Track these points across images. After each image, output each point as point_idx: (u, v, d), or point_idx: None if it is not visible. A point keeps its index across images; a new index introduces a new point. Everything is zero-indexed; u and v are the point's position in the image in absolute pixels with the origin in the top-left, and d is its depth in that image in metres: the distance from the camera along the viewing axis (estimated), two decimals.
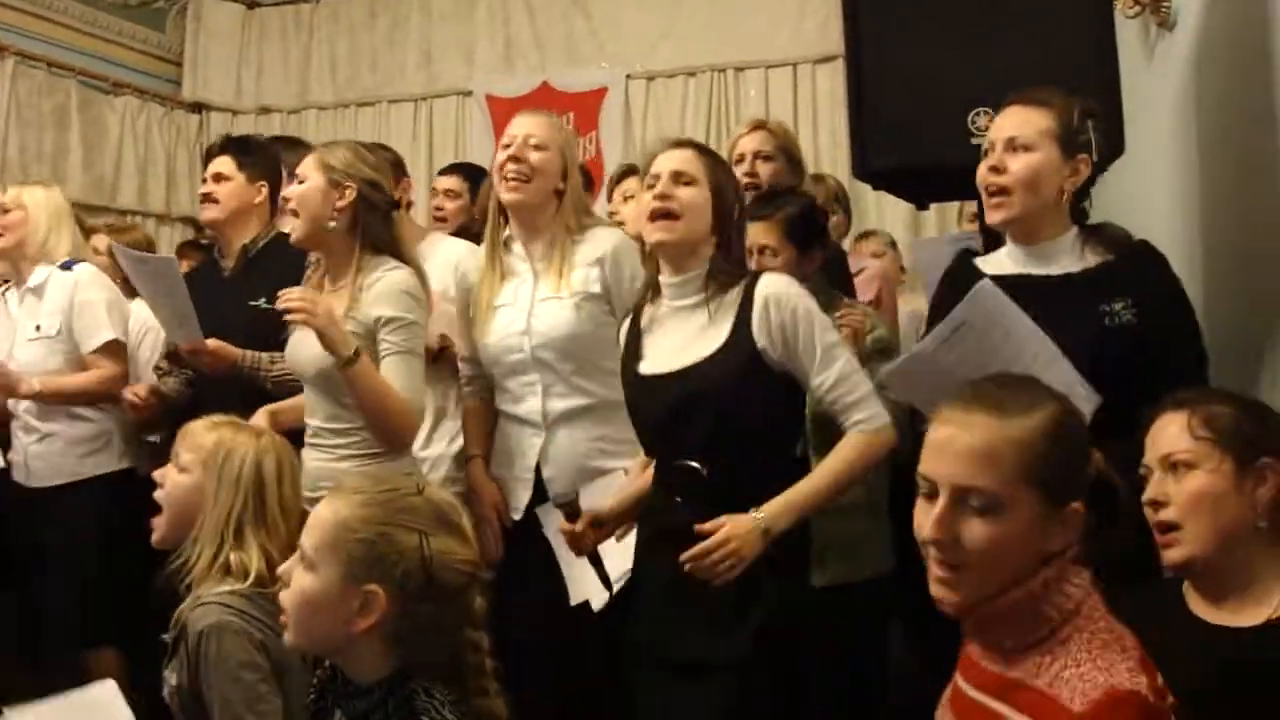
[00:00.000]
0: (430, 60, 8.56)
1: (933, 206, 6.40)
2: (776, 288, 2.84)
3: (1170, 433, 2.16)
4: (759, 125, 4.25)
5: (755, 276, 2.88)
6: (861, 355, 3.26)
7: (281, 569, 2.18)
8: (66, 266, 4.45)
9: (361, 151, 3.50)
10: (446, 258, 4.03)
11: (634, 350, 3.00)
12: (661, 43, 7.95)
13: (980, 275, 2.75)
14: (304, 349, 3.36)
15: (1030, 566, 1.77)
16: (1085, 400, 2.32)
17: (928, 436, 1.87)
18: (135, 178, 8.20)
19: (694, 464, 2.80)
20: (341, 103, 8.78)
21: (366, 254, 3.40)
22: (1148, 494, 2.16)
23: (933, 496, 1.82)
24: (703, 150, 2.99)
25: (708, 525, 2.69)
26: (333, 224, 3.37)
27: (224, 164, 4.21)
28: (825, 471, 2.80)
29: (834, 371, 2.79)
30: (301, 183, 3.42)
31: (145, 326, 4.59)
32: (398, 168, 4.31)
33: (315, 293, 3.30)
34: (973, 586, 1.79)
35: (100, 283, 4.48)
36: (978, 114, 3.04)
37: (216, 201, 4.17)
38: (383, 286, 3.31)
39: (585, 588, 3.20)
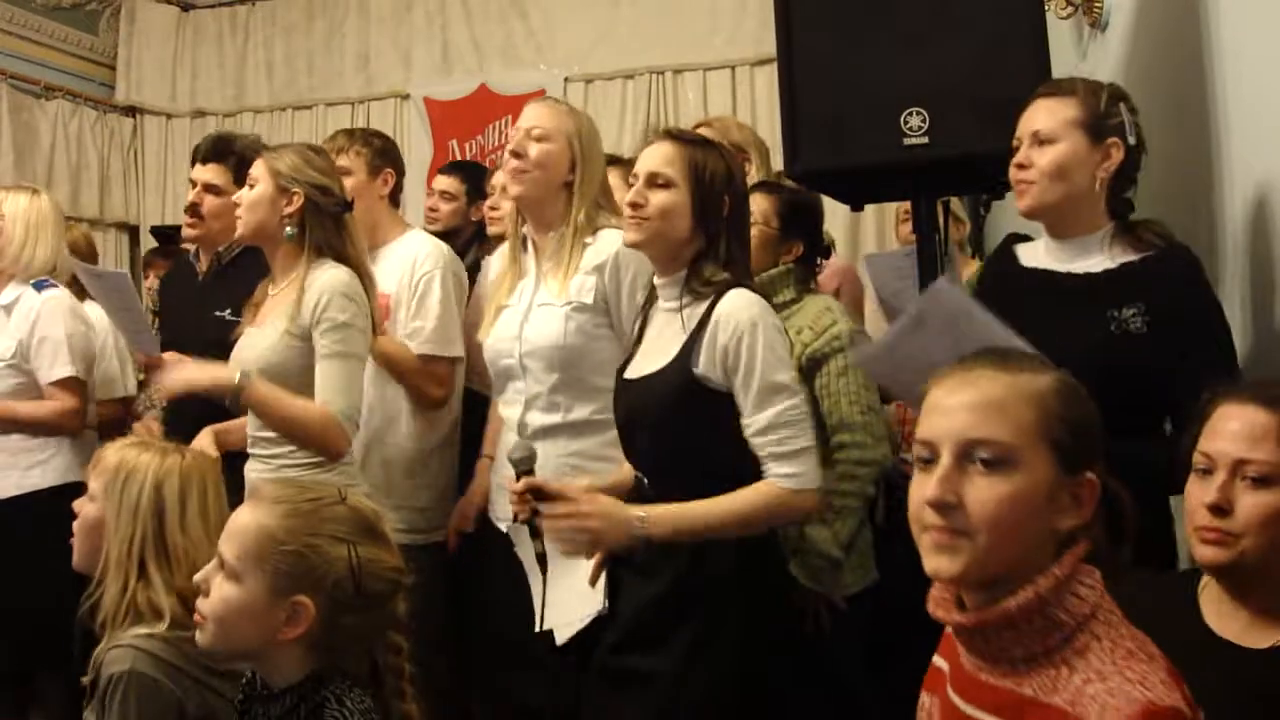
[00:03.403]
0: (367, 63, 8.49)
1: (872, 208, 6.43)
2: (732, 308, 2.67)
3: (1245, 431, 1.96)
4: (700, 125, 4.16)
5: (724, 291, 2.71)
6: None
7: (198, 576, 2.12)
8: (38, 287, 4.26)
9: (310, 155, 3.43)
10: (404, 255, 4.00)
11: (634, 349, 2.93)
12: (599, 45, 7.93)
13: (1018, 266, 2.76)
14: (245, 355, 3.32)
15: (1039, 546, 1.60)
16: None
17: (925, 402, 1.71)
18: (68, 182, 8.10)
19: (639, 475, 2.80)
20: (278, 106, 8.70)
21: (312, 256, 3.34)
22: (1211, 496, 1.96)
23: (931, 464, 1.64)
24: (689, 142, 2.83)
25: (576, 488, 2.66)
26: (288, 230, 3.32)
27: (218, 174, 4.06)
28: (725, 506, 2.63)
29: (767, 416, 2.64)
30: (252, 187, 3.36)
31: (98, 331, 4.50)
32: (385, 156, 4.20)
33: (179, 360, 3.20)
34: (977, 556, 1.59)
35: (64, 313, 4.25)
36: (909, 114, 3.03)
37: (203, 218, 4.04)
38: (319, 286, 3.25)
39: (551, 616, 3.01)
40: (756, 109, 7.47)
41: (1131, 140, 2.60)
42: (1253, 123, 2.58)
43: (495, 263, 3.64)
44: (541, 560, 2.76)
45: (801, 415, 2.67)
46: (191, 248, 4.29)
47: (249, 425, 3.38)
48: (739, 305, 2.68)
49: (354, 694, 2.04)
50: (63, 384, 4.21)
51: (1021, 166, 2.64)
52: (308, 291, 3.25)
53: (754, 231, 3.25)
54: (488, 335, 3.41)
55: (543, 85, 7.92)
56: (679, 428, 2.71)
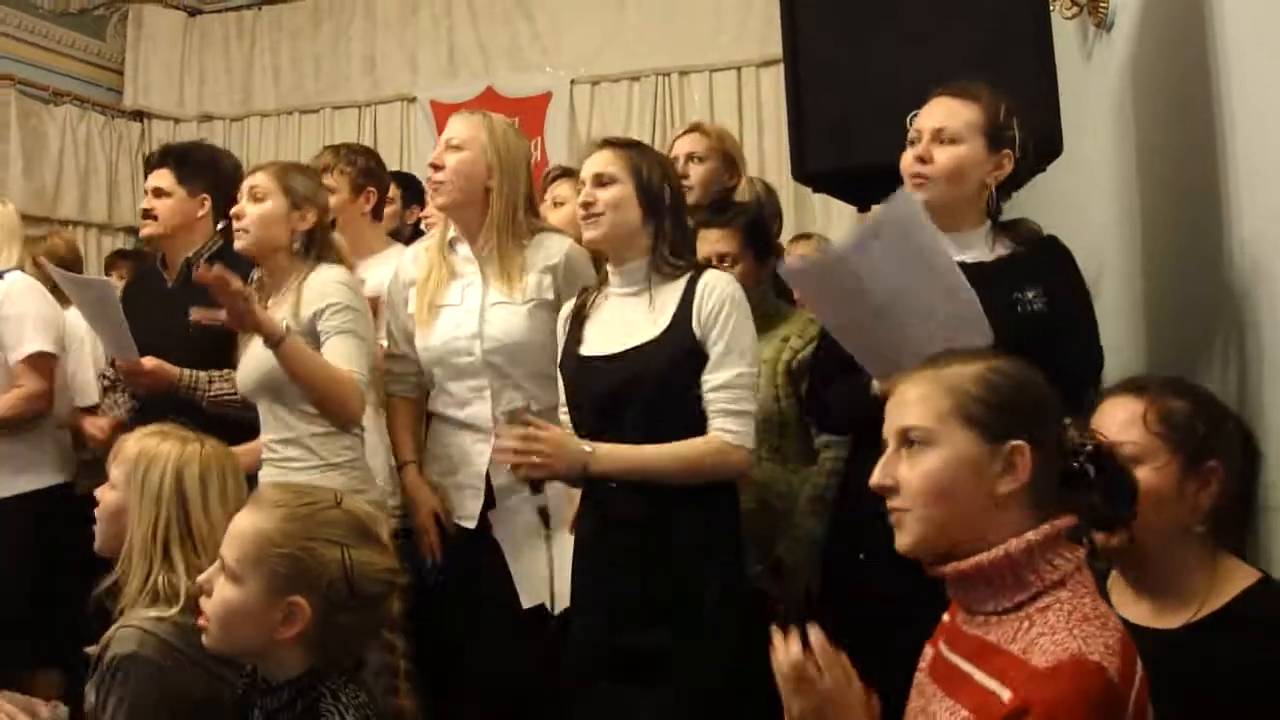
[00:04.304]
0: (374, 67, 8.55)
1: (875, 209, 6.42)
2: (717, 282, 2.93)
3: (1122, 420, 2.13)
4: (694, 128, 4.27)
5: (700, 271, 2.97)
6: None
7: (202, 577, 2.20)
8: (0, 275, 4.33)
9: (314, 174, 3.58)
10: (391, 271, 3.99)
11: (575, 335, 3.06)
12: (605, 47, 7.96)
13: None
14: (247, 360, 3.36)
15: (982, 511, 1.82)
16: (981, 338, 2.38)
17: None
18: (77, 187, 8.14)
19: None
20: (285, 110, 8.75)
21: (312, 266, 3.43)
22: None
23: None
24: (623, 146, 3.08)
25: (537, 424, 2.82)
26: (296, 246, 3.41)
27: (162, 178, 4.10)
28: (671, 452, 2.84)
29: (726, 375, 2.86)
30: (259, 200, 3.40)
31: (76, 338, 4.53)
32: (369, 175, 4.30)
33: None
34: (920, 528, 1.85)
35: (31, 293, 4.35)
36: (915, 116, 3.04)
37: (156, 219, 4.07)
38: (315, 284, 3.35)
39: (537, 591, 3.19)
40: (762, 110, 7.49)
41: (1019, 155, 2.77)
42: (1258, 122, 2.58)
43: (408, 267, 3.65)
44: (544, 514, 3.02)
45: (752, 384, 2.92)
46: (157, 255, 4.30)
47: (264, 433, 3.42)
48: (724, 281, 2.96)
49: (349, 689, 2.11)
50: (32, 361, 4.25)
51: (923, 160, 2.76)
52: (307, 290, 3.34)
53: (735, 271, 3.46)
54: (429, 336, 3.47)
55: (549, 88, 7.96)
56: (679, 394, 2.87)
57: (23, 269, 4.44)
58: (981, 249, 2.79)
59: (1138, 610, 2.13)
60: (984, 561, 1.79)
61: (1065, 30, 3.69)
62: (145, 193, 4.17)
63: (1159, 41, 3.19)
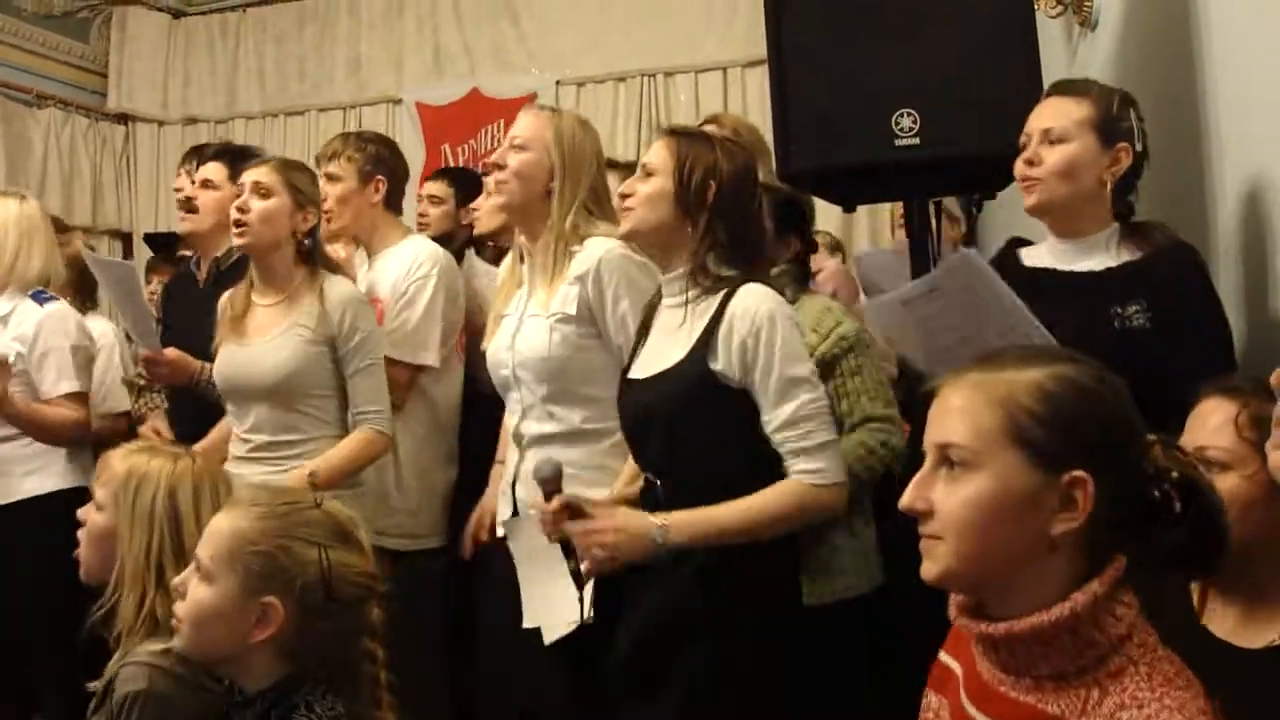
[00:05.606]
0: (359, 68, 8.50)
1: (864, 209, 6.43)
2: (748, 304, 2.63)
3: (1213, 423, 1.99)
4: (710, 120, 4.11)
5: (737, 287, 2.67)
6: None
7: (176, 580, 2.14)
8: (38, 299, 4.21)
9: (312, 173, 3.60)
10: (403, 258, 4.01)
11: (635, 351, 2.91)
12: (591, 48, 7.93)
13: (1021, 267, 2.73)
14: (258, 365, 3.37)
15: (1030, 550, 1.55)
16: None
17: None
18: (61, 190, 8.10)
19: (652, 478, 2.74)
20: (270, 112, 8.70)
21: (314, 269, 3.49)
22: None
23: None
24: (681, 134, 2.84)
25: (603, 501, 2.67)
26: (306, 241, 3.47)
27: (215, 171, 4.10)
28: (749, 508, 2.59)
29: (787, 410, 2.59)
30: (264, 196, 3.39)
31: (102, 344, 4.49)
32: (379, 163, 4.13)
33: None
34: (953, 561, 1.58)
35: (67, 327, 4.20)
36: (901, 115, 3.04)
37: (196, 211, 4.07)
38: (341, 299, 3.44)
39: (537, 614, 3.03)
40: (749, 111, 7.44)
41: (1139, 147, 2.62)
42: (1241, 121, 2.59)
43: (483, 269, 3.65)
44: (576, 576, 2.70)
45: (821, 409, 2.64)
46: (191, 255, 4.29)
47: (254, 433, 3.45)
48: (755, 300, 2.64)
49: (324, 701, 2.04)
50: (66, 398, 4.16)
51: (1031, 163, 2.64)
52: (328, 303, 3.42)
53: None
54: (488, 346, 3.40)
55: (534, 89, 7.93)
56: (693, 426, 2.66)
57: (49, 283, 4.33)
58: (1104, 254, 2.62)
59: (1223, 617, 2.01)
60: (1044, 623, 1.52)
61: (1050, 29, 3.70)
62: (191, 182, 4.18)
63: (1143, 40, 3.20)
